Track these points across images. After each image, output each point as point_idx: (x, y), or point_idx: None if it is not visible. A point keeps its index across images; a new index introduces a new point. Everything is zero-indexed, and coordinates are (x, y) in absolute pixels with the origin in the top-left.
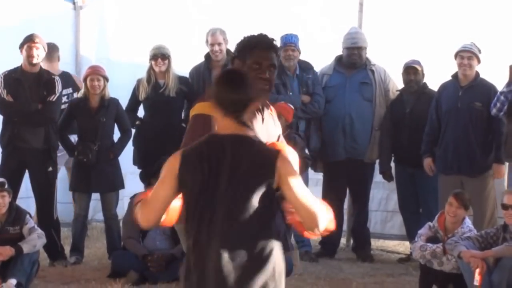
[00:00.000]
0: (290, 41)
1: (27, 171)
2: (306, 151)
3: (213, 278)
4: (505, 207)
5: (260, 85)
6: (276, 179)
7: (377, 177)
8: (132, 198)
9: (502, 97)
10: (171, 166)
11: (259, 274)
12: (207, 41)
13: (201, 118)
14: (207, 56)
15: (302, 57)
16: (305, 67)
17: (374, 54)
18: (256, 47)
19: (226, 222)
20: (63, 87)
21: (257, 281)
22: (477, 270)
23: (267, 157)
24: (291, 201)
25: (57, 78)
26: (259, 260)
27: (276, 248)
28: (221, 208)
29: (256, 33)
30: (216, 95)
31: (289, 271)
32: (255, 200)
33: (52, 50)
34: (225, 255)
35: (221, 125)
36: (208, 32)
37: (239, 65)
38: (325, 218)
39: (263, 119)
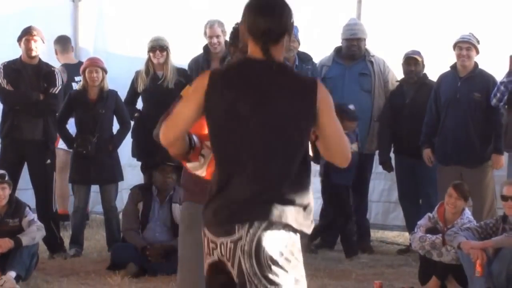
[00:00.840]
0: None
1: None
2: None
3: (238, 210)
4: (504, 198)
5: None
6: (317, 109)
7: (378, 168)
8: (132, 189)
9: (502, 87)
10: (198, 85)
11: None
12: (205, 33)
13: None
14: (206, 48)
15: (301, 48)
16: (305, 58)
17: (373, 45)
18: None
19: (258, 159)
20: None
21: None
22: (478, 262)
23: (308, 85)
24: (329, 134)
25: (57, 70)
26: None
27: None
28: (253, 141)
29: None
30: (247, 20)
31: None
32: (293, 134)
33: (64, 43)
34: (256, 193)
35: (252, 50)
36: (206, 24)
37: (232, 50)
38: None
39: None
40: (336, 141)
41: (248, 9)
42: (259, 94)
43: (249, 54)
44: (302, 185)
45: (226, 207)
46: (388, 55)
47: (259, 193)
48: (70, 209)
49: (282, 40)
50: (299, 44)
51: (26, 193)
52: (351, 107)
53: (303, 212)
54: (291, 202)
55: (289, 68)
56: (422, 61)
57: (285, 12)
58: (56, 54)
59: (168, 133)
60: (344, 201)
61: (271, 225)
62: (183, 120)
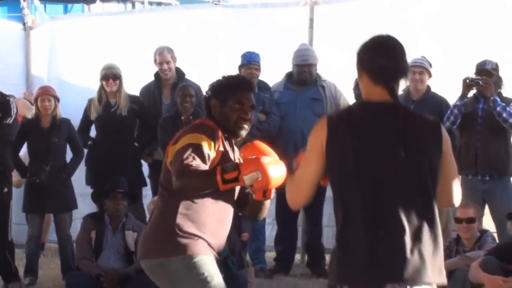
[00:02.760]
0: (254, 60)
1: None
2: None
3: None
4: (458, 220)
5: (241, 124)
6: (443, 150)
7: (329, 192)
8: (84, 218)
9: (455, 110)
10: (316, 137)
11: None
12: (155, 60)
13: (200, 146)
14: (157, 75)
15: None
16: (263, 86)
17: (325, 70)
18: (239, 87)
19: (397, 200)
20: None
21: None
22: None
23: (435, 125)
24: (449, 174)
25: (11, 100)
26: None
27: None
28: (390, 184)
29: (232, 74)
30: (368, 60)
31: None
32: (427, 174)
33: None
34: (407, 241)
35: (371, 92)
36: (155, 51)
37: (216, 106)
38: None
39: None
40: (452, 179)
41: (368, 49)
42: (393, 136)
43: (367, 96)
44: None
45: (375, 263)
46: (340, 80)
47: (410, 248)
48: (25, 237)
49: (399, 79)
50: (260, 71)
51: None
52: None
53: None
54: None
55: (413, 111)
56: None
57: (404, 51)
58: None
59: (296, 199)
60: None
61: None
62: (308, 184)
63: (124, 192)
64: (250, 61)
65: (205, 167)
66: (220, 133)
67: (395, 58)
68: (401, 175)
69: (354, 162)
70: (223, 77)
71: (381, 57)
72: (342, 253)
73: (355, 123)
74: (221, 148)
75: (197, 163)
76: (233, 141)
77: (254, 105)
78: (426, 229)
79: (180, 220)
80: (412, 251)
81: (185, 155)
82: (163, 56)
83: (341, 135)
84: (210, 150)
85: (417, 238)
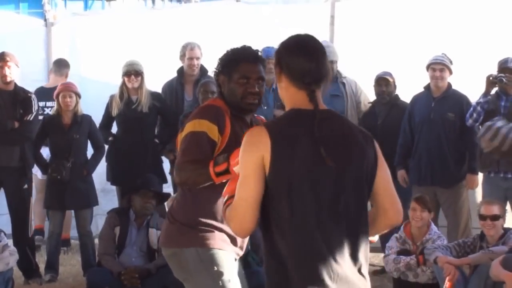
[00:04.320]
0: (271, 54)
1: (2, 188)
2: None
3: None
4: (482, 217)
5: (249, 99)
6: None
7: None
8: (109, 213)
9: (478, 108)
10: (255, 154)
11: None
12: (183, 55)
13: (201, 134)
14: (180, 71)
15: None
16: None
17: (346, 67)
18: (243, 60)
19: (340, 219)
20: None
21: None
22: (448, 277)
23: (368, 137)
24: (384, 187)
25: (33, 96)
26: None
27: None
28: (329, 201)
29: (239, 46)
30: (290, 64)
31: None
32: (364, 189)
33: (59, 65)
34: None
35: (296, 99)
36: (185, 45)
37: (224, 81)
38: None
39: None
40: (390, 192)
41: (287, 50)
42: (332, 150)
43: (293, 104)
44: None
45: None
46: (360, 77)
47: (355, 260)
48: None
49: (323, 82)
50: None
51: (1, 218)
52: None
53: None
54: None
55: (345, 118)
56: (394, 82)
57: (325, 53)
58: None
59: (244, 226)
60: None
61: None
62: (253, 206)
63: (155, 192)
64: (268, 56)
65: (205, 157)
66: (226, 113)
67: (317, 60)
68: (350, 186)
69: (292, 182)
70: (228, 51)
71: (301, 58)
72: None
73: (293, 137)
74: (229, 129)
75: (195, 155)
76: (251, 118)
77: (263, 76)
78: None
79: (197, 211)
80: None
81: (184, 146)
82: (194, 51)
83: (284, 151)
84: (213, 136)
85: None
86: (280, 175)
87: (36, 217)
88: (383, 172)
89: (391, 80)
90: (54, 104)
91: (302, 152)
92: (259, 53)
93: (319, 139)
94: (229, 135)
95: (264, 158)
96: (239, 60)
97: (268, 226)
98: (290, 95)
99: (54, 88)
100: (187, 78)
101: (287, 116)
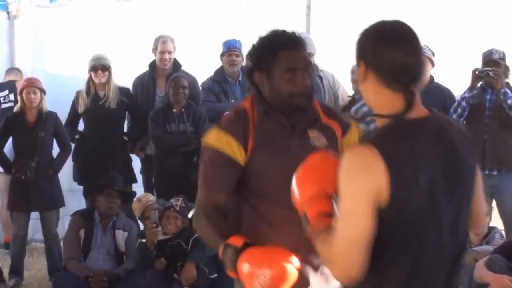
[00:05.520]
0: (234, 46)
1: None
2: None
3: None
4: None
5: (300, 94)
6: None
7: None
8: (73, 216)
9: (463, 103)
10: (367, 180)
11: None
12: (155, 48)
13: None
14: (152, 65)
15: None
16: None
17: (322, 60)
18: (282, 48)
19: (453, 243)
20: None
21: None
22: None
23: (471, 140)
24: (477, 202)
25: None
26: None
27: None
28: (446, 225)
29: (269, 32)
30: (379, 58)
31: None
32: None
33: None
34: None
35: (391, 105)
36: (158, 38)
37: (261, 78)
38: None
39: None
40: (483, 204)
41: (374, 40)
42: (451, 171)
43: (388, 110)
44: None
45: None
46: (338, 70)
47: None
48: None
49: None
50: (243, 59)
51: None
52: None
53: None
54: None
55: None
56: None
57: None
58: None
59: (353, 274)
60: None
61: None
62: (365, 248)
63: (119, 190)
64: (229, 48)
65: (224, 176)
66: (251, 115)
67: (414, 52)
68: (451, 219)
69: (416, 213)
70: (257, 41)
71: (395, 50)
72: None
73: (413, 157)
74: (257, 134)
75: (214, 180)
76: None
77: (309, 61)
78: None
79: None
80: None
81: (201, 171)
82: (166, 45)
83: (405, 176)
84: (229, 152)
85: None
86: (403, 209)
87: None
88: (479, 186)
89: None
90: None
91: (425, 180)
92: (298, 35)
93: (442, 160)
94: (252, 144)
95: (379, 187)
96: (277, 50)
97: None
98: (382, 100)
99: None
100: (160, 72)
101: (394, 129)
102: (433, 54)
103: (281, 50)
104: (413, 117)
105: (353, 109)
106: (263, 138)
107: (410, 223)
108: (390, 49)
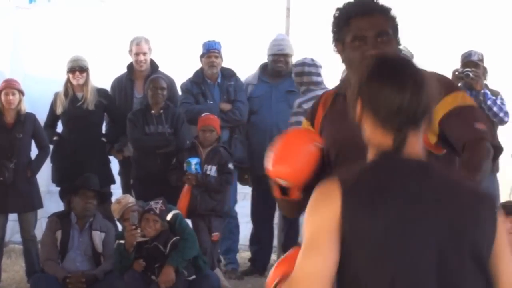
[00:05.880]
0: (213, 48)
1: None
2: (230, 165)
3: None
4: None
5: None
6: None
7: None
8: (50, 217)
9: None
10: (326, 217)
11: None
12: (131, 50)
13: None
14: (130, 66)
15: (228, 64)
16: (227, 74)
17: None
18: (354, 15)
19: None
20: None
21: None
22: None
23: (484, 198)
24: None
25: None
26: None
27: None
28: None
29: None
30: (371, 95)
31: None
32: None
33: None
34: None
35: (382, 145)
36: (132, 41)
37: (340, 50)
38: None
39: None
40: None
41: (374, 77)
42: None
43: (378, 146)
44: None
45: None
46: None
47: None
48: None
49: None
50: (222, 60)
51: None
52: None
53: None
54: None
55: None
56: None
57: (423, 80)
58: None
59: None
60: None
61: None
62: (324, 283)
63: (95, 191)
64: (209, 49)
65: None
66: (327, 94)
67: (411, 90)
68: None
69: (382, 248)
70: (339, 7)
71: (387, 88)
72: None
73: (378, 191)
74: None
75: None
76: None
77: (384, 29)
78: None
79: None
80: None
81: None
82: (140, 46)
83: (364, 208)
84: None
85: None
86: (358, 243)
87: None
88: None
89: None
90: None
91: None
92: (378, 2)
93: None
94: (321, 121)
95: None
96: (349, 17)
97: None
98: (376, 138)
99: None
100: (137, 74)
101: (369, 164)
102: (412, 55)
103: (353, 17)
104: (399, 158)
105: (297, 101)
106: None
107: (369, 261)
108: (381, 86)
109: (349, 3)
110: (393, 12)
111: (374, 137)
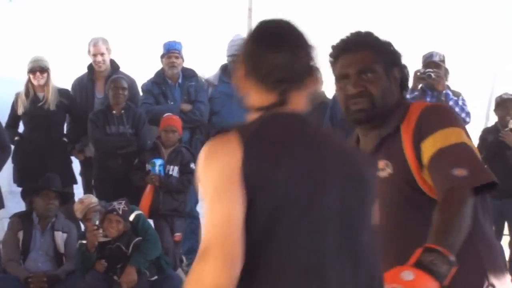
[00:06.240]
0: (173, 48)
1: None
2: (192, 165)
3: None
4: None
5: (353, 107)
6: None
7: None
8: (12, 218)
9: None
10: (227, 163)
11: None
12: (89, 51)
13: None
14: (90, 67)
15: (189, 65)
16: (188, 74)
17: None
18: (341, 53)
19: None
20: None
21: None
22: None
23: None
24: None
25: None
26: None
27: None
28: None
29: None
30: (254, 58)
31: None
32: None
33: None
34: None
35: (263, 102)
36: (90, 42)
37: (336, 88)
38: None
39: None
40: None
41: (250, 41)
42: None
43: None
44: None
45: None
46: None
47: None
48: None
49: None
50: (183, 60)
51: None
52: None
53: None
54: None
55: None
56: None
57: (305, 42)
58: None
59: (232, 269)
60: None
61: None
62: (241, 228)
63: (57, 191)
64: (169, 49)
65: None
66: None
67: (290, 50)
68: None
69: (283, 201)
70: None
71: (268, 50)
72: None
73: (277, 143)
74: None
75: None
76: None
77: (368, 66)
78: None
79: None
80: None
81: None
82: (97, 47)
83: (266, 160)
84: None
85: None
86: (260, 195)
87: None
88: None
89: None
90: None
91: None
92: (367, 35)
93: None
94: None
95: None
96: (337, 55)
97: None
98: (260, 98)
99: None
100: (98, 74)
101: (260, 118)
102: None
103: (340, 55)
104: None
105: None
106: None
107: (269, 214)
108: (262, 49)
109: (341, 40)
110: (391, 45)
111: (258, 97)
